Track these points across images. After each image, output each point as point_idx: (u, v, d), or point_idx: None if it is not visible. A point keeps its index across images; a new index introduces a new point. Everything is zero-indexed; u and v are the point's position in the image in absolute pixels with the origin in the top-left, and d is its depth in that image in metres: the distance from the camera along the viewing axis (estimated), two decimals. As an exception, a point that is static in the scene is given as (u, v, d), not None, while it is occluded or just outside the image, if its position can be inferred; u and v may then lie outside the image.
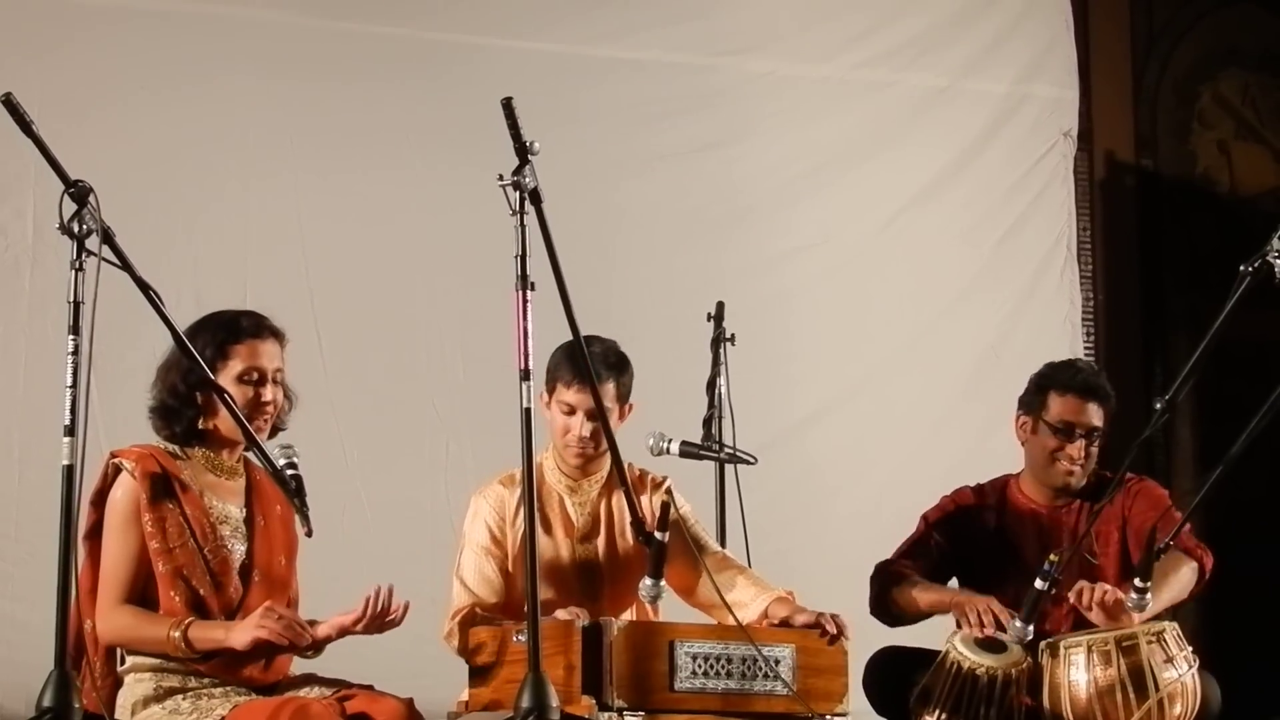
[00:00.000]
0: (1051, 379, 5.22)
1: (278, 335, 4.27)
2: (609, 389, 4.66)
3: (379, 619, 4.09)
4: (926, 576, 5.14)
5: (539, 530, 4.64)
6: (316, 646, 4.17)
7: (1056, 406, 5.16)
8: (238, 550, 4.17)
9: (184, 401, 4.16)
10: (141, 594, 4.08)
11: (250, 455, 4.27)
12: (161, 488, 4.09)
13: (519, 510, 4.53)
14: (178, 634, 3.99)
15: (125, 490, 4.09)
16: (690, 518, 4.87)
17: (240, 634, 3.99)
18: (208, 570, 4.10)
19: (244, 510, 4.22)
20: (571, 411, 4.67)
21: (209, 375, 4.04)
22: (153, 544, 4.06)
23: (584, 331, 4.26)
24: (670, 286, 6.96)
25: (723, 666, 4.35)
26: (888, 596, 5.12)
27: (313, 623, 4.16)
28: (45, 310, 6.12)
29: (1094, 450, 5.15)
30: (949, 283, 7.49)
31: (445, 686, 4.71)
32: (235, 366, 4.17)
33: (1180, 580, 4.91)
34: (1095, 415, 5.15)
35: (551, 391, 4.69)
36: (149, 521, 4.06)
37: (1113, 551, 5.10)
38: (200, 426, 4.18)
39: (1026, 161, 7.68)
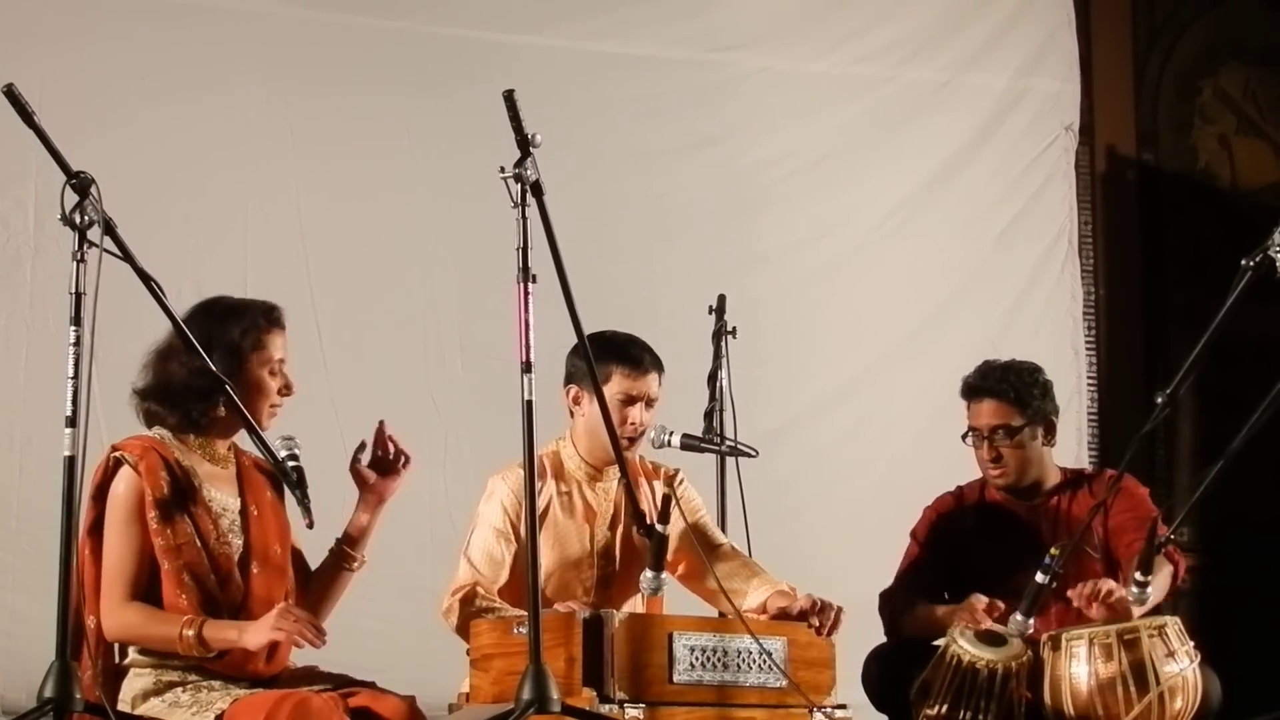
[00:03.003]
0: (961, 390, 5.24)
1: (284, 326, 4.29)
2: (658, 377, 4.79)
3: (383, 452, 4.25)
4: (927, 594, 5.14)
5: (559, 514, 4.76)
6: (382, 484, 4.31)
7: (967, 416, 5.19)
8: (236, 543, 4.15)
9: (200, 392, 4.11)
10: (146, 590, 4.05)
11: (236, 441, 4.27)
12: (167, 482, 4.05)
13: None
14: (191, 633, 3.96)
15: (128, 484, 4.05)
16: (699, 509, 4.93)
17: (255, 635, 3.97)
18: (213, 567, 4.07)
19: (238, 501, 4.20)
20: (631, 401, 4.73)
21: (210, 367, 4.02)
22: (158, 541, 4.02)
23: (585, 325, 4.26)
24: (670, 280, 6.97)
25: (718, 659, 4.35)
26: (899, 625, 5.13)
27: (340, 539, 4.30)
28: (46, 302, 6.12)
29: (1005, 450, 5.13)
30: (949, 277, 7.50)
31: (446, 679, 4.72)
32: (268, 354, 4.17)
33: (1159, 582, 4.88)
34: (990, 414, 5.15)
35: (603, 382, 4.64)
36: (154, 518, 4.03)
37: (1100, 547, 5.11)
38: (213, 415, 4.14)
39: (1027, 155, 7.68)
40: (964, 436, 5.19)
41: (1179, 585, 5.02)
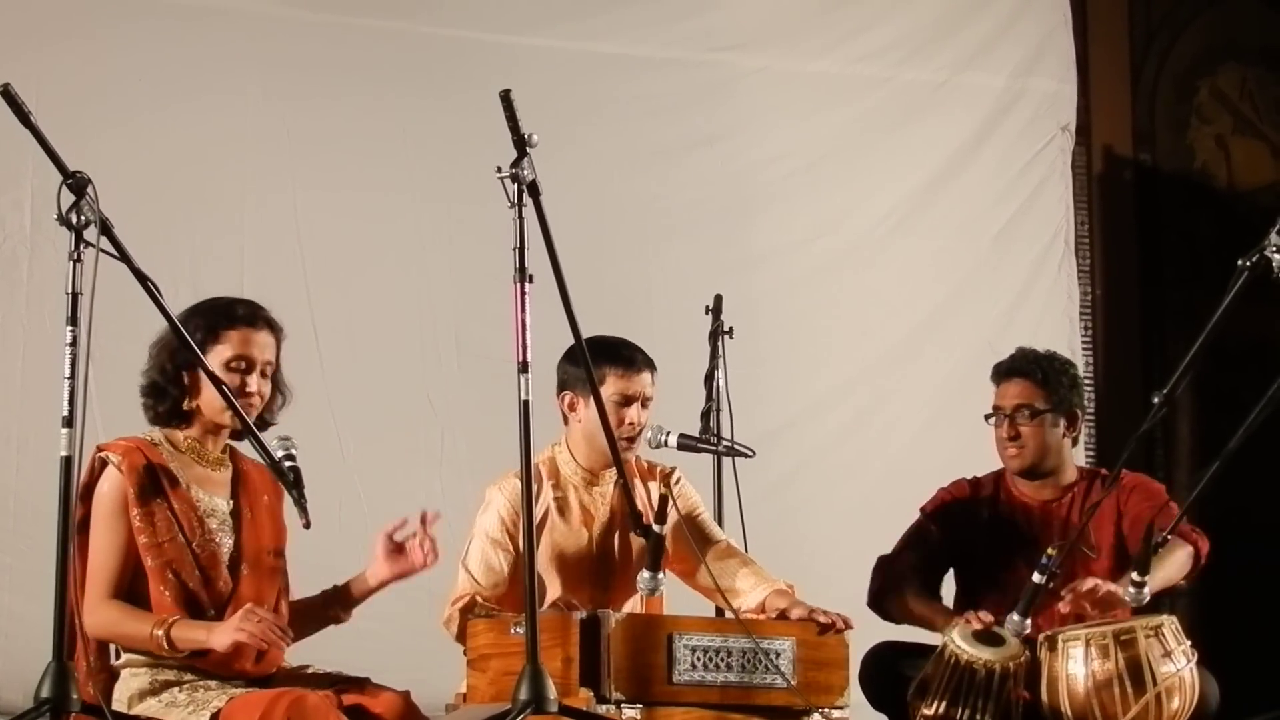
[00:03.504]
0: (992, 374, 5.27)
1: (273, 327, 4.23)
2: (651, 376, 4.81)
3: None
4: (926, 572, 5.17)
5: (556, 518, 4.77)
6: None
7: (994, 399, 5.22)
8: (225, 544, 4.14)
9: (170, 380, 4.13)
10: (129, 588, 4.05)
11: (237, 445, 4.26)
12: (149, 481, 4.06)
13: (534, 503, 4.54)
14: (160, 633, 3.96)
15: (112, 484, 4.05)
16: (698, 505, 4.94)
17: (221, 635, 3.95)
18: (196, 565, 4.07)
19: (230, 503, 4.19)
20: (627, 401, 4.75)
21: (201, 359, 4.01)
22: (141, 539, 4.03)
23: (582, 325, 4.25)
24: (668, 280, 6.97)
25: (722, 659, 4.35)
26: (885, 598, 5.15)
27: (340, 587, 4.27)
28: (43, 302, 6.12)
29: (1025, 429, 5.15)
30: (946, 277, 7.50)
31: (443, 679, 4.71)
32: (224, 352, 4.12)
33: (1175, 562, 4.90)
34: (1015, 393, 5.18)
35: (599, 384, 4.63)
36: (137, 516, 4.03)
37: (1107, 546, 5.10)
38: (185, 407, 4.15)
39: (1024, 156, 7.67)
40: (987, 417, 5.21)
41: (1203, 565, 5.01)
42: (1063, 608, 4.77)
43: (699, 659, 4.33)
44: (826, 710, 4.43)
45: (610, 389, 4.72)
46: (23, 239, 6.24)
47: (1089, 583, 4.74)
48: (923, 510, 5.29)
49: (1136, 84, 8.02)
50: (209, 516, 4.13)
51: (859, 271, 7.38)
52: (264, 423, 4.22)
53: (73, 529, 3.70)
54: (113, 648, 4.11)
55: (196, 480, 4.15)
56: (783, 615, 4.58)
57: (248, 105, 6.62)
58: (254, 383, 4.15)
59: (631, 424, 4.75)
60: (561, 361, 4.78)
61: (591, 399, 4.59)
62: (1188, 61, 8.11)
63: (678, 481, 4.93)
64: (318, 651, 4.30)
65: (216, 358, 4.12)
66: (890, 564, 5.20)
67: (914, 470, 6.45)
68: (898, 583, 5.13)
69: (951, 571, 5.29)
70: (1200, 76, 8.14)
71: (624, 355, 4.79)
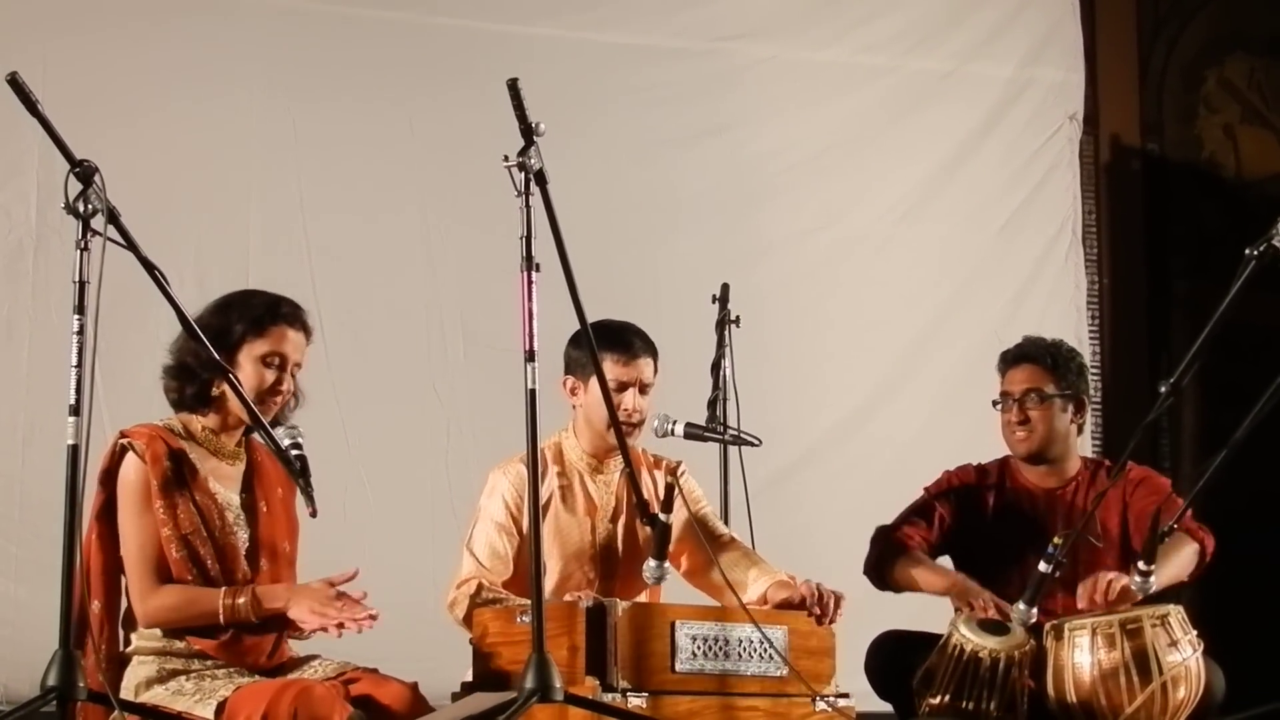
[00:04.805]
0: (999, 363, 5.28)
1: (308, 331, 4.26)
2: (651, 362, 4.77)
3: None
4: (927, 546, 5.15)
5: (561, 507, 4.75)
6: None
7: (1001, 385, 5.23)
8: (242, 537, 4.16)
9: (205, 364, 4.11)
10: (169, 571, 4.07)
11: (253, 437, 4.27)
12: (172, 470, 4.07)
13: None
14: (244, 600, 4.00)
15: (137, 471, 4.06)
16: (701, 501, 4.92)
17: (299, 609, 4.01)
18: (219, 558, 4.09)
19: (242, 496, 4.21)
20: (623, 387, 4.72)
21: (209, 348, 4.01)
22: (164, 530, 4.05)
23: (589, 313, 4.25)
24: (675, 269, 6.97)
25: (720, 648, 4.36)
26: (886, 566, 5.12)
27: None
28: (48, 292, 6.13)
29: (1034, 413, 5.15)
30: (954, 267, 7.49)
31: (449, 668, 4.71)
32: (263, 346, 4.15)
33: (1181, 559, 4.89)
34: (1024, 378, 5.18)
35: (594, 370, 4.62)
36: (160, 507, 4.04)
37: (1113, 538, 5.09)
38: (213, 393, 4.15)
39: (1032, 145, 7.67)
40: (995, 403, 5.21)
41: (1208, 562, 5.00)
42: (1083, 604, 4.74)
43: (699, 647, 4.33)
44: (832, 699, 4.43)
45: (606, 375, 4.68)
46: (28, 230, 6.24)
47: (1105, 579, 4.72)
48: (927, 489, 5.28)
49: (1144, 73, 8.01)
50: (227, 509, 4.15)
51: (867, 261, 7.37)
52: (275, 421, 4.21)
53: (79, 518, 3.70)
54: (121, 635, 4.12)
55: (213, 472, 4.17)
56: (785, 603, 4.57)
57: (253, 99, 6.62)
58: (286, 381, 4.17)
59: (629, 411, 4.72)
60: (567, 345, 4.78)
61: (590, 383, 4.59)
62: (1195, 51, 8.10)
63: (682, 475, 4.92)
64: (325, 641, 4.30)
65: (253, 351, 4.14)
66: (889, 533, 5.18)
67: (920, 460, 6.40)
68: (900, 551, 5.11)
69: (952, 561, 5.28)
70: (1208, 66, 8.13)
71: (621, 341, 4.76)
